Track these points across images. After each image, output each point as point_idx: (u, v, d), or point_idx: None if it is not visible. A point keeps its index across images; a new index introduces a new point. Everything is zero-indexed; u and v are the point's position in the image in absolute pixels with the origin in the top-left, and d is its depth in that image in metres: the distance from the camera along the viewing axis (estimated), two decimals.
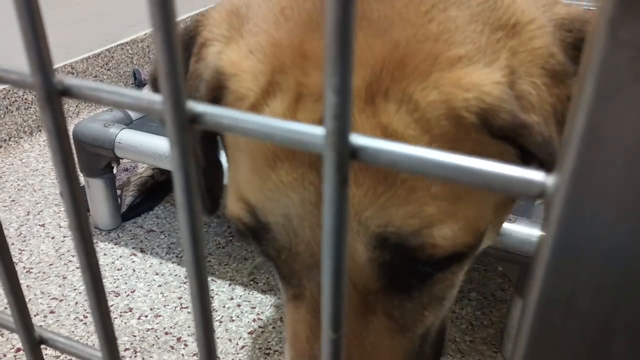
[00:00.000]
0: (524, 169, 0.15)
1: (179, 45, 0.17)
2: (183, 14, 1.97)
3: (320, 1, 0.39)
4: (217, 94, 0.43)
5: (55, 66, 1.55)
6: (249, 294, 1.00)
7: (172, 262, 1.08)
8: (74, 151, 1.11)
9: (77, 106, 1.64)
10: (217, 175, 0.52)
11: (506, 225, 0.78)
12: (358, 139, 0.16)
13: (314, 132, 0.17)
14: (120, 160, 1.13)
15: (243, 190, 0.42)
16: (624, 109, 0.13)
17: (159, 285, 1.02)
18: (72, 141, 1.11)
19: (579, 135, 0.13)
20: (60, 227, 1.18)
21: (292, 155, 0.39)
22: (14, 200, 1.27)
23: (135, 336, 0.92)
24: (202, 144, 0.48)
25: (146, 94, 0.19)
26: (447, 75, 0.36)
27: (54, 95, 0.20)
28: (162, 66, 0.17)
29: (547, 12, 0.39)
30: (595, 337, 0.17)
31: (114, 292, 1.01)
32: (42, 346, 0.30)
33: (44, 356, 0.86)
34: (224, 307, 0.97)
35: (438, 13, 0.37)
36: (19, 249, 1.12)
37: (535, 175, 0.15)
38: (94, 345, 0.87)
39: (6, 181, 1.35)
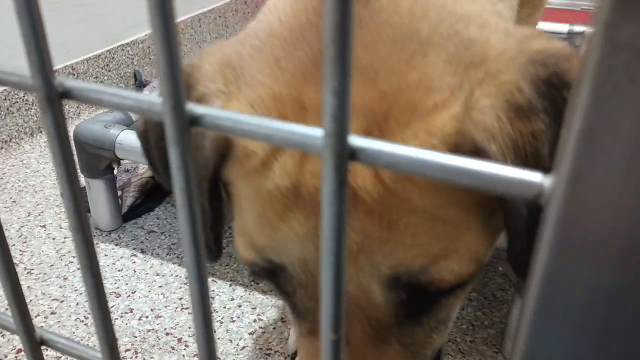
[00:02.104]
0: (521, 169, 0.15)
1: (178, 46, 0.17)
2: (183, 15, 1.97)
3: (312, 50, 0.40)
4: (225, 152, 0.44)
5: (56, 67, 1.55)
6: (249, 294, 1.00)
7: (173, 263, 1.08)
8: (75, 152, 1.11)
9: (77, 107, 1.65)
10: (222, 225, 0.53)
11: None
12: (357, 141, 0.16)
13: (313, 133, 0.17)
14: (121, 161, 1.13)
15: (253, 238, 0.43)
16: (620, 111, 0.13)
17: (160, 286, 1.02)
18: (72, 142, 1.11)
19: (575, 136, 0.13)
20: (61, 228, 1.18)
21: (303, 205, 0.40)
22: (14, 202, 1.27)
23: (136, 337, 0.92)
24: (209, 197, 0.48)
25: (146, 96, 0.19)
26: (423, 126, 0.37)
27: (54, 98, 0.20)
28: (162, 68, 0.17)
29: (522, 45, 0.39)
30: (594, 338, 0.17)
31: (115, 293, 1.01)
32: (43, 347, 0.30)
33: (45, 357, 0.86)
34: (224, 307, 0.98)
35: (419, 60, 0.38)
36: (20, 250, 1.12)
37: (532, 176, 0.15)
38: (95, 346, 0.87)
39: (7, 182, 1.35)
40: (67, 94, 0.20)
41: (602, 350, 0.17)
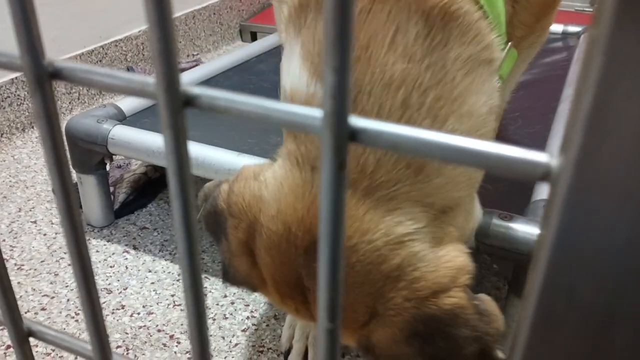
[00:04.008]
0: (527, 150, 0.14)
1: (172, 22, 0.17)
2: (177, 12, 1.96)
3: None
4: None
5: None
6: (242, 291, 0.99)
7: (165, 260, 1.07)
8: (67, 147, 1.10)
9: (70, 103, 1.63)
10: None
11: (502, 223, 0.78)
12: (357, 121, 0.16)
13: (312, 113, 0.16)
14: (114, 156, 1.12)
15: None
16: (631, 88, 0.13)
17: (152, 283, 1.01)
18: (64, 137, 1.10)
19: (585, 114, 0.13)
20: (52, 223, 1.17)
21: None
22: (5, 197, 1.26)
23: (127, 333, 0.91)
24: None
25: (139, 77, 0.19)
26: None
27: (43, 78, 0.20)
28: (155, 44, 0.17)
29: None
30: (597, 324, 0.16)
31: (107, 289, 1.00)
32: (33, 344, 0.29)
33: (35, 353, 0.85)
34: (217, 304, 0.97)
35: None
36: (10, 246, 1.10)
37: (539, 156, 0.14)
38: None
39: None
40: (57, 74, 0.20)
41: (606, 340, 0.16)
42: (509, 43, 0.55)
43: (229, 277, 0.60)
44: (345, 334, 0.51)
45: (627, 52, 0.13)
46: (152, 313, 0.95)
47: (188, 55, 2.00)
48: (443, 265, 0.47)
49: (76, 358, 0.85)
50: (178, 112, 0.18)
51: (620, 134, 0.13)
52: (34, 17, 0.19)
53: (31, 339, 0.29)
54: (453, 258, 0.48)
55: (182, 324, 0.92)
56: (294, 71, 0.50)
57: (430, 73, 0.45)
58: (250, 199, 0.53)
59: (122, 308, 0.96)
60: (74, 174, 1.12)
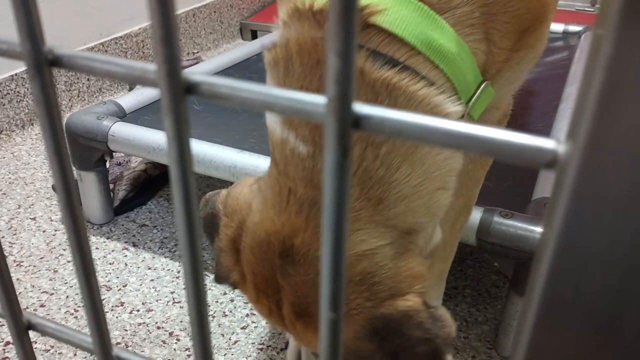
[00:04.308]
0: (533, 136, 0.14)
1: (175, 9, 0.17)
2: (178, 9, 1.96)
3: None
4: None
5: None
6: None
7: (165, 257, 1.07)
8: (67, 144, 1.10)
9: (70, 100, 1.63)
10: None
11: (503, 221, 0.78)
12: (361, 108, 0.16)
13: (315, 100, 0.16)
14: (114, 153, 1.12)
15: None
16: None
17: (151, 280, 1.01)
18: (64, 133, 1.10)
19: (596, 96, 0.12)
20: (51, 220, 1.17)
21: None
22: (5, 194, 1.26)
23: (126, 330, 0.91)
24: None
25: (139, 63, 0.19)
26: None
27: (43, 65, 0.19)
28: (156, 30, 0.16)
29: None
30: (606, 318, 0.16)
31: (106, 286, 1.00)
32: (33, 339, 0.29)
33: (35, 350, 0.84)
34: (217, 302, 0.97)
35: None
36: (10, 242, 1.10)
37: (545, 142, 0.14)
38: None
39: None
40: (57, 62, 0.19)
41: (613, 331, 0.16)
42: (485, 82, 0.58)
43: (217, 275, 0.66)
44: (310, 334, 0.56)
45: (637, 35, 0.12)
46: (152, 310, 0.95)
47: (188, 53, 2.00)
48: (401, 273, 0.53)
49: (75, 354, 0.85)
50: (179, 99, 0.18)
51: (629, 119, 0.13)
52: (34, 3, 0.19)
53: (31, 335, 0.29)
54: (411, 268, 0.54)
55: (181, 321, 0.92)
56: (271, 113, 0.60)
57: None
58: (243, 203, 0.60)
59: (122, 305, 0.96)
60: (74, 171, 1.12)
